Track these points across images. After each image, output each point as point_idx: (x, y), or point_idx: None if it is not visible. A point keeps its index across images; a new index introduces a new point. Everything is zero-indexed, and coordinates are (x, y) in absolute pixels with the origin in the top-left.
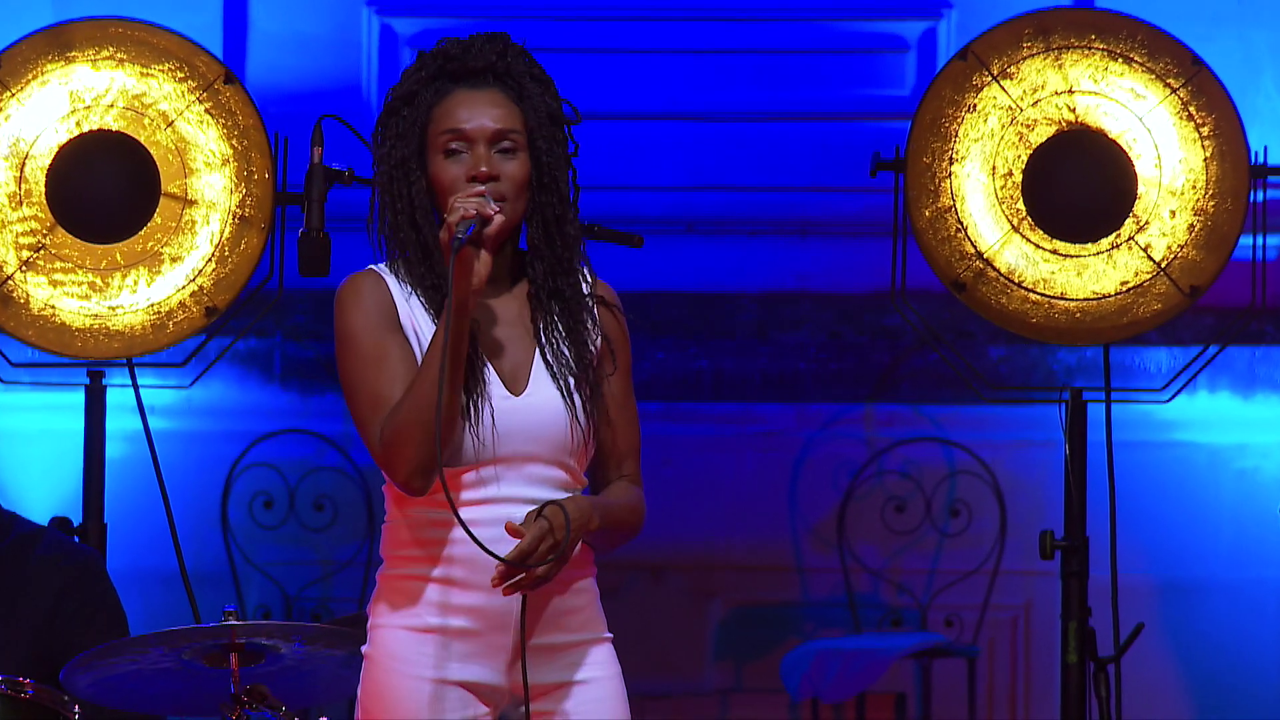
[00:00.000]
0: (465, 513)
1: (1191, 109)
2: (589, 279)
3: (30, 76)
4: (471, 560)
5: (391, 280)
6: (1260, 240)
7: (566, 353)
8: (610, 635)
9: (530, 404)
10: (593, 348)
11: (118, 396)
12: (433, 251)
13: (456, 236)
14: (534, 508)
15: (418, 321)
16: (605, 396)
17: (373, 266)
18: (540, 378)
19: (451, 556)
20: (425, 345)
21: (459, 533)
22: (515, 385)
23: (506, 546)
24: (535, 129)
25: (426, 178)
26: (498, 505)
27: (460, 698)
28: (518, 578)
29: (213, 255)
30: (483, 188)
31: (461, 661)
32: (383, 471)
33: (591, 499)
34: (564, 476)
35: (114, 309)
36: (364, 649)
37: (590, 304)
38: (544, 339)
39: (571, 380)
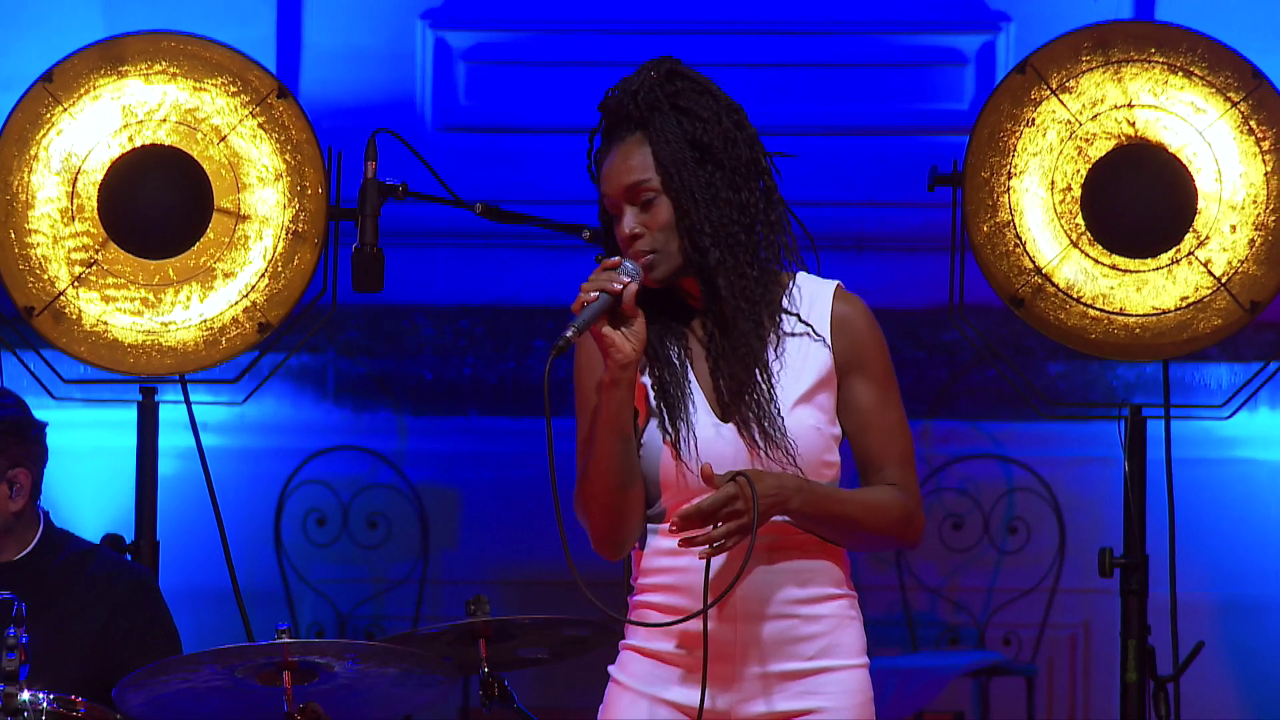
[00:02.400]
0: (674, 541)
1: (1252, 123)
2: (802, 295)
3: (83, 91)
4: (683, 588)
5: None
6: None
7: (744, 379)
8: (862, 662)
9: (735, 430)
10: (782, 368)
11: (170, 413)
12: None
13: (564, 334)
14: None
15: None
16: (855, 407)
17: None
18: (733, 406)
19: (678, 585)
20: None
21: (687, 560)
22: (726, 412)
23: (731, 571)
24: (668, 166)
25: None
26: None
27: (674, 718)
28: (692, 533)
29: (266, 271)
30: (615, 259)
31: (681, 685)
32: None
33: (811, 483)
34: None
35: (166, 325)
36: (610, 668)
37: (782, 319)
38: (718, 367)
39: (770, 411)
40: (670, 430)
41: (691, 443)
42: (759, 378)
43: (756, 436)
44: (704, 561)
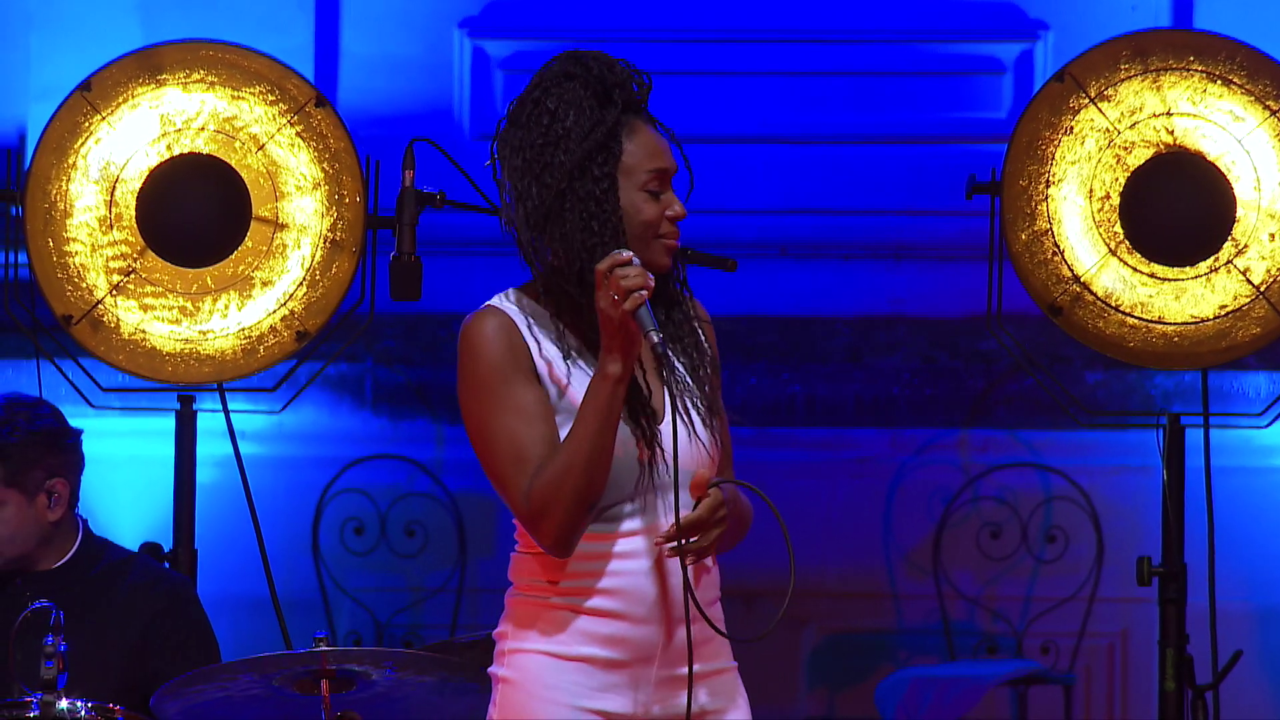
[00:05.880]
0: (623, 544)
1: None
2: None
3: (121, 99)
4: (628, 592)
5: (515, 313)
6: None
7: (689, 377)
8: (736, 663)
9: (669, 433)
10: (706, 369)
11: (208, 421)
12: (589, 281)
13: (648, 331)
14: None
15: (548, 355)
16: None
17: (493, 304)
18: (673, 405)
19: (609, 588)
20: (556, 375)
21: (621, 565)
22: (657, 416)
23: (666, 574)
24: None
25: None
26: (651, 535)
27: None
28: (676, 543)
29: (304, 279)
30: (629, 254)
31: (605, 691)
32: (528, 530)
33: None
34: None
35: (204, 333)
36: (499, 671)
37: (695, 324)
38: (671, 366)
39: (698, 404)
40: (638, 427)
41: (656, 441)
42: (695, 381)
43: (701, 433)
44: (650, 565)
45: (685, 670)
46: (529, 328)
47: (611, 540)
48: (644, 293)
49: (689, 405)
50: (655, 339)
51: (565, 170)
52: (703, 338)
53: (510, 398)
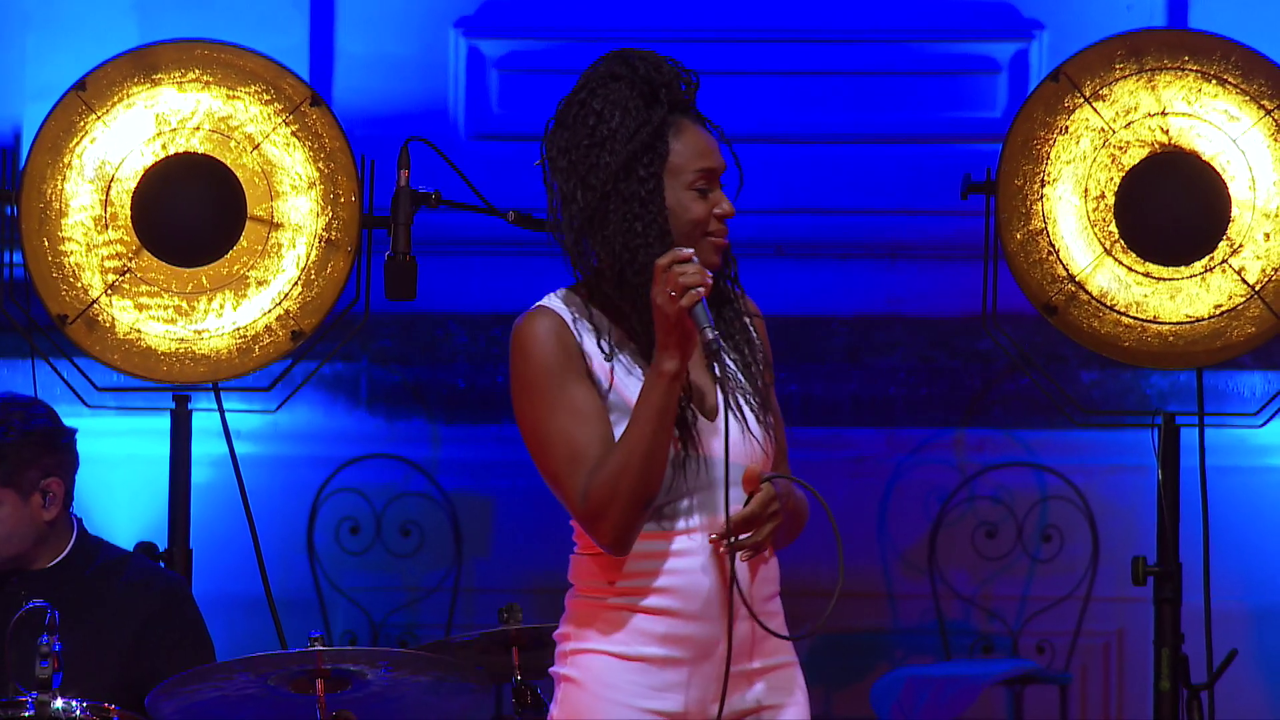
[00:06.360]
0: (679, 542)
1: None
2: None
3: (116, 99)
4: (683, 590)
5: (565, 313)
6: None
7: (741, 374)
8: (796, 658)
9: (723, 428)
10: (759, 365)
11: (203, 421)
12: (633, 283)
13: (703, 328)
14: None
15: (599, 354)
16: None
17: (544, 304)
18: (725, 402)
19: (665, 587)
20: (608, 375)
21: (676, 563)
22: (710, 413)
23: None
24: None
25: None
26: (706, 533)
27: None
28: (736, 538)
29: (299, 279)
30: (690, 252)
31: (665, 691)
32: (585, 530)
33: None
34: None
35: (199, 333)
36: (561, 670)
37: (747, 320)
38: (724, 363)
39: (752, 399)
40: (691, 425)
41: (701, 436)
42: (748, 376)
43: (754, 429)
44: (706, 563)
45: (746, 667)
46: (578, 324)
47: (668, 539)
48: (701, 290)
49: (742, 402)
50: (710, 335)
51: (610, 171)
52: (754, 334)
53: (564, 398)
